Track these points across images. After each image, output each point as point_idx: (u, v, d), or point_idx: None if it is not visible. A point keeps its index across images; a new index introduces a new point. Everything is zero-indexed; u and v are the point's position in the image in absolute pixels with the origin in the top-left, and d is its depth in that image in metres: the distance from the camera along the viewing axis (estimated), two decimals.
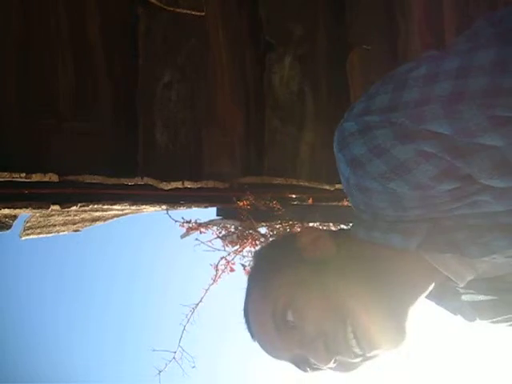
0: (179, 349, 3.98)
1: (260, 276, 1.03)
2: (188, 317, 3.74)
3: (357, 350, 0.92)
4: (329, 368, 0.96)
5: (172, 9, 2.62)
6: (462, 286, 0.98)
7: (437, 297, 1.05)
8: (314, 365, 0.95)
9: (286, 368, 1.02)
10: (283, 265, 1.00)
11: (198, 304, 3.76)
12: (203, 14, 2.73)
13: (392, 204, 0.88)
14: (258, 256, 1.12)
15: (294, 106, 3.06)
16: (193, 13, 2.69)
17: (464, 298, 1.05)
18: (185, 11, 2.66)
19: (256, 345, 1.03)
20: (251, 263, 1.09)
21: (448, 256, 0.93)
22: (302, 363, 0.97)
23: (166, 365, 4.03)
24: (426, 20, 3.37)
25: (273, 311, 0.96)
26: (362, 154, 0.84)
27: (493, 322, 1.07)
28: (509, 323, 1.06)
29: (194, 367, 4.06)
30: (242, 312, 1.04)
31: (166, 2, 2.59)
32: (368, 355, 0.93)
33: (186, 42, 2.70)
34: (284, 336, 0.95)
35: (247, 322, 1.03)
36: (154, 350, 4.13)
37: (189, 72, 2.72)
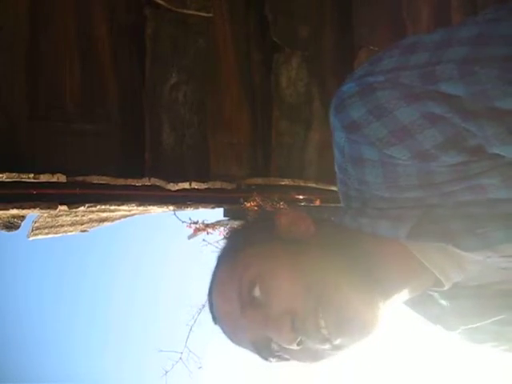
0: (186, 349, 3.99)
1: (229, 252, 0.94)
2: (194, 317, 3.75)
3: (325, 333, 0.81)
4: (292, 356, 0.86)
5: (179, 10, 2.63)
6: (445, 288, 0.89)
7: (415, 303, 0.96)
8: (277, 351, 0.86)
9: (290, 368, 0.94)
10: (256, 241, 0.91)
11: (204, 305, 3.76)
12: (211, 15, 2.73)
13: (386, 180, 0.80)
14: (228, 235, 1.02)
15: (301, 106, 3.06)
16: (200, 14, 2.69)
17: (443, 303, 0.95)
18: (192, 12, 2.67)
19: (218, 328, 0.94)
20: (222, 244, 0.98)
21: (437, 253, 0.85)
22: (264, 348, 0.87)
23: (173, 365, 4.04)
24: (434, 21, 3.36)
25: (238, 286, 0.86)
26: (360, 115, 0.76)
27: (477, 329, 0.95)
28: (495, 328, 0.95)
29: (200, 368, 4.06)
30: (207, 293, 0.95)
31: (173, 3, 2.60)
32: (336, 343, 0.83)
33: (193, 44, 2.70)
34: (248, 314, 0.85)
35: (210, 302, 0.93)
36: (160, 351, 4.14)
37: (196, 73, 2.72)
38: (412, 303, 0.95)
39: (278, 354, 0.86)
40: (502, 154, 0.72)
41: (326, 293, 0.82)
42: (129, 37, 2.61)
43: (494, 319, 0.93)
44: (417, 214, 0.82)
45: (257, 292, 0.84)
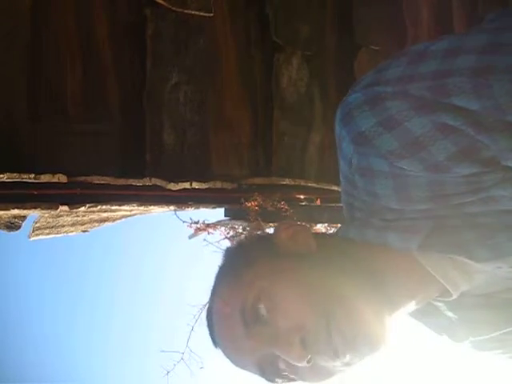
0: (187, 349, 3.98)
1: (229, 272, 0.89)
2: (196, 317, 3.74)
3: (338, 351, 0.79)
4: (300, 375, 0.82)
5: (180, 10, 2.63)
6: (454, 297, 0.87)
7: (420, 314, 0.93)
8: (284, 371, 0.82)
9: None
10: (257, 259, 0.87)
11: (205, 304, 3.75)
12: (211, 14, 2.73)
13: (397, 192, 0.78)
14: (226, 253, 0.95)
15: (302, 107, 3.06)
16: (201, 14, 2.69)
17: (450, 314, 0.93)
18: (193, 12, 2.66)
19: (220, 352, 0.89)
20: (219, 262, 0.93)
21: (445, 262, 0.82)
22: (271, 369, 0.83)
23: (175, 365, 4.04)
24: (435, 20, 3.36)
25: (242, 305, 0.82)
26: (369, 127, 0.73)
27: (486, 341, 0.94)
28: (503, 337, 0.93)
29: (202, 368, 4.05)
30: (205, 314, 0.91)
31: (173, 2, 2.60)
32: (346, 360, 0.80)
33: (194, 43, 2.70)
34: (253, 332, 0.81)
35: (210, 324, 0.89)
36: (162, 351, 4.14)
37: (197, 73, 2.72)
38: (417, 314, 0.93)
39: (284, 374, 0.83)
40: None
41: (335, 308, 0.79)
42: (129, 37, 2.61)
43: (504, 331, 0.91)
44: (427, 224, 0.80)
45: (262, 310, 0.81)
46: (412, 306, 0.87)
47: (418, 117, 0.70)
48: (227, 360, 0.88)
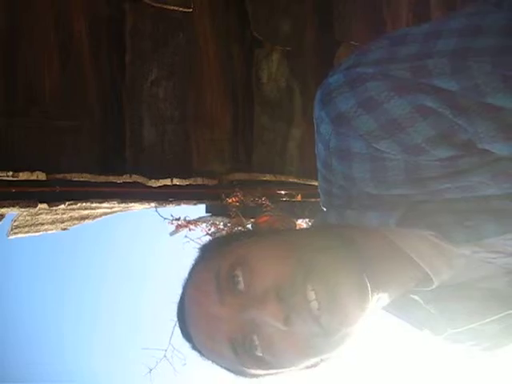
0: (170, 346, 3.97)
1: (204, 256, 0.86)
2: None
3: (315, 307, 0.75)
4: (276, 346, 0.76)
5: (159, 5, 2.61)
6: (434, 286, 0.86)
7: (398, 309, 0.92)
8: (257, 347, 0.77)
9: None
10: (234, 239, 0.85)
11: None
12: (190, 10, 2.71)
13: (374, 175, 0.77)
14: (200, 247, 0.92)
15: (282, 102, 3.06)
16: (180, 9, 2.67)
17: (429, 307, 0.91)
18: (172, 7, 2.65)
19: (191, 347, 0.84)
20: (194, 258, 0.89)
21: (424, 247, 0.82)
22: (242, 347, 0.77)
23: (157, 363, 4.02)
24: (413, 15, 3.38)
25: (217, 275, 0.79)
26: (349, 107, 0.73)
27: (463, 333, 0.92)
28: (479, 327, 0.92)
29: (184, 364, 4.04)
30: (177, 305, 0.87)
31: None
32: (326, 324, 0.76)
33: (173, 39, 2.69)
34: (227, 301, 0.77)
35: (181, 312, 0.85)
36: (144, 349, 4.12)
37: (176, 69, 2.70)
38: (393, 308, 0.92)
39: (258, 354, 0.77)
40: (491, 150, 0.71)
41: (316, 267, 0.77)
42: (108, 32, 2.58)
43: (479, 323, 0.91)
44: (406, 204, 0.80)
45: (238, 276, 0.78)
46: (393, 288, 0.85)
47: (398, 98, 0.70)
48: (199, 349, 0.84)
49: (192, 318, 0.83)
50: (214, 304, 0.78)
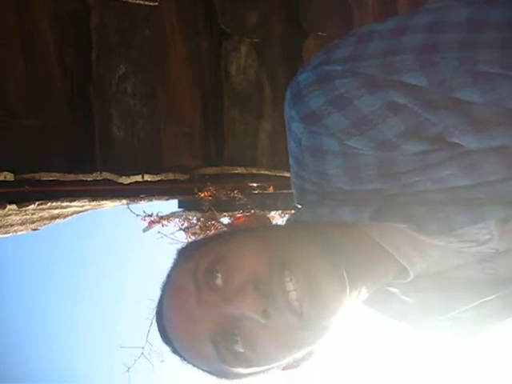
0: (147, 344, 3.96)
1: (180, 258, 0.85)
2: (154, 311, 3.72)
3: (294, 298, 0.74)
4: (258, 340, 0.75)
5: (124, 0, 2.57)
6: (410, 277, 0.85)
7: (376, 301, 0.91)
8: (238, 342, 0.76)
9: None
10: (211, 241, 0.84)
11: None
12: (156, 3, 2.68)
13: (347, 171, 0.77)
14: (178, 250, 0.89)
15: (251, 94, 3.06)
16: (146, 3, 2.64)
17: (406, 299, 0.91)
18: (137, 1, 2.61)
19: (171, 350, 0.82)
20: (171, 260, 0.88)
21: (399, 239, 0.82)
22: (224, 343, 0.76)
23: (135, 361, 4.01)
24: (379, 5, 3.40)
25: (194, 273, 0.77)
26: (319, 106, 0.73)
27: (441, 323, 0.93)
28: (458, 319, 0.93)
29: (162, 361, 4.04)
30: (155, 310, 0.84)
31: None
32: (306, 315, 0.74)
33: (139, 33, 2.65)
34: (206, 298, 0.76)
35: (159, 317, 0.83)
36: (122, 347, 4.11)
37: (144, 63, 2.67)
38: (372, 302, 0.91)
39: (239, 350, 0.76)
40: (461, 143, 0.72)
41: (293, 258, 0.76)
42: (73, 28, 2.54)
43: (460, 310, 0.91)
44: (378, 198, 0.80)
45: (216, 271, 0.76)
46: (370, 282, 0.85)
47: (368, 95, 0.70)
48: (180, 353, 0.81)
49: (171, 322, 0.81)
50: (192, 304, 0.77)
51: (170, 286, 0.82)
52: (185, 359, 0.82)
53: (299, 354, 0.81)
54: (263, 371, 0.82)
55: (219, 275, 0.76)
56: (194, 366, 0.83)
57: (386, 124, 0.71)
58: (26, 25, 2.41)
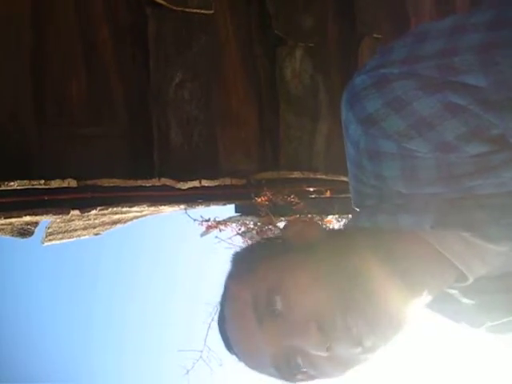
0: (206, 348, 3.99)
1: (237, 272, 0.86)
2: (212, 315, 3.75)
3: (356, 333, 0.75)
4: (320, 369, 0.78)
5: (180, 9, 2.63)
6: (469, 282, 0.84)
7: (434, 302, 0.90)
8: (302, 367, 0.78)
9: None
10: (267, 255, 0.84)
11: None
12: (212, 12, 2.72)
13: (405, 174, 0.76)
14: (233, 257, 0.90)
15: (307, 98, 3.05)
16: (201, 11, 2.69)
17: (466, 300, 0.90)
18: (193, 10, 2.66)
19: (234, 358, 0.85)
20: (227, 267, 0.89)
21: (459, 246, 0.80)
22: (287, 366, 0.78)
23: (194, 364, 4.05)
24: (437, 6, 3.34)
25: (254, 299, 0.79)
26: (377, 108, 0.72)
27: (504, 325, 0.91)
28: None
29: (221, 365, 4.07)
30: (217, 321, 0.87)
31: (174, 1, 2.60)
32: (368, 345, 0.76)
33: (196, 41, 2.70)
34: (267, 327, 0.77)
35: (222, 328, 0.85)
36: (180, 351, 4.16)
37: (200, 70, 2.72)
38: (431, 303, 0.89)
39: (303, 370, 0.79)
40: None
41: (353, 296, 0.76)
42: (131, 37, 2.61)
43: None
44: (439, 204, 0.78)
45: (277, 302, 0.77)
46: (430, 292, 0.84)
47: (426, 97, 0.69)
48: (243, 364, 0.84)
49: (233, 337, 0.84)
50: (253, 328, 0.79)
51: (230, 303, 0.84)
52: (249, 368, 0.85)
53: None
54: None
55: (279, 307, 0.77)
56: (259, 373, 0.85)
57: (445, 126, 0.70)
58: (87, 36, 2.50)
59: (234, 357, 0.86)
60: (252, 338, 0.80)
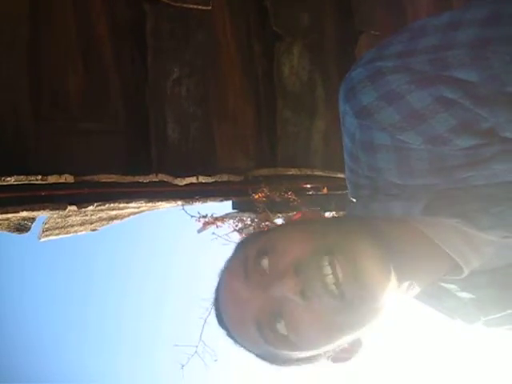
0: (201, 343, 4.00)
1: (237, 249, 0.89)
2: (208, 310, 3.75)
3: (331, 287, 0.74)
4: (299, 321, 0.76)
5: (178, 4, 2.62)
6: (464, 274, 0.84)
7: (429, 297, 0.91)
8: (280, 322, 0.77)
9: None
10: (265, 233, 0.88)
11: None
12: (210, 8, 2.72)
13: (399, 165, 0.79)
14: (237, 243, 0.93)
15: (304, 95, 3.05)
16: (199, 7, 2.68)
17: (464, 295, 0.90)
18: (191, 6, 2.66)
19: (226, 334, 0.86)
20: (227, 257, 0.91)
21: (453, 235, 0.81)
22: (268, 325, 0.78)
23: (189, 359, 4.05)
24: (434, 2, 3.34)
25: (245, 258, 0.81)
26: (371, 101, 0.75)
27: (498, 319, 0.91)
28: None
29: (216, 360, 4.07)
30: (213, 292, 0.88)
31: None
32: (349, 299, 0.75)
33: (193, 37, 2.70)
34: (253, 280, 0.79)
35: (216, 300, 0.87)
36: (175, 345, 4.16)
37: (198, 67, 2.71)
38: (425, 297, 0.91)
39: (283, 331, 0.77)
40: None
41: (339, 247, 0.77)
42: (129, 33, 2.61)
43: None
44: (430, 193, 0.80)
45: (264, 257, 0.79)
46: (421, 279, 0.84)
47: (419, 90, 0.71)
48: (232, 335, 0.85)
49: (223, 304, 0.86)
50: (240, 286, 0.80)
51: (224, 272, 0.87)
52: (236, 341, 0.86)
53: (344, 341, 0.81)
54: (311, 358, 0.83)
55: (266, 260, 0.79)
56: (244, 348, 0.86)
57: (437, 119, 0.72)
58: (85, 31, 2.50)
59: (224, 332, 0.86)
60: (237, 295, 0.81)
